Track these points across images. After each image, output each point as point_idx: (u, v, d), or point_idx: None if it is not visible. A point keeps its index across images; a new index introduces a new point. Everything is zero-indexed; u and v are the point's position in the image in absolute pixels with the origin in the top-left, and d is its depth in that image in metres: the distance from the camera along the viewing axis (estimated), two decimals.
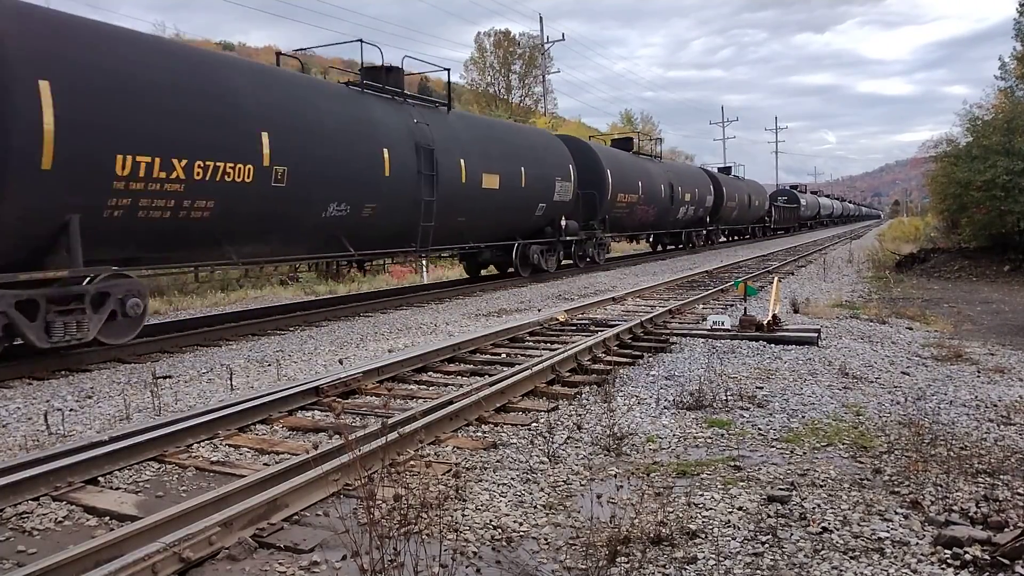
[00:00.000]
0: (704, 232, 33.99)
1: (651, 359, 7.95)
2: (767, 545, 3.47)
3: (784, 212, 53.55)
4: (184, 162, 8.97)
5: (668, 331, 9.50)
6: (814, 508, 3.88)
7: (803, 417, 5.66)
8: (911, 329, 10.31)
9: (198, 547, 3.31)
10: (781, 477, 4.37)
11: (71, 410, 6.35)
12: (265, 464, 4.74)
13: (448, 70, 15.84)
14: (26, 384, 7.57)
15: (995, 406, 5.94)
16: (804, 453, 4.84)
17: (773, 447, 4.98)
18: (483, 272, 20.01)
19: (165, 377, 7.52)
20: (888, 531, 3.58)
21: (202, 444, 5.20)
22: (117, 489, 4.39)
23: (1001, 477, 4.27)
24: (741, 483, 4.27)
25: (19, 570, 3.01)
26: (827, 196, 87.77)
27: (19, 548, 3.58)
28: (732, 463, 4.63)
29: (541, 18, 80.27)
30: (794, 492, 4.10)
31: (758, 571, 3.22)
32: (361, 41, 13.29)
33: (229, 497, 3.81)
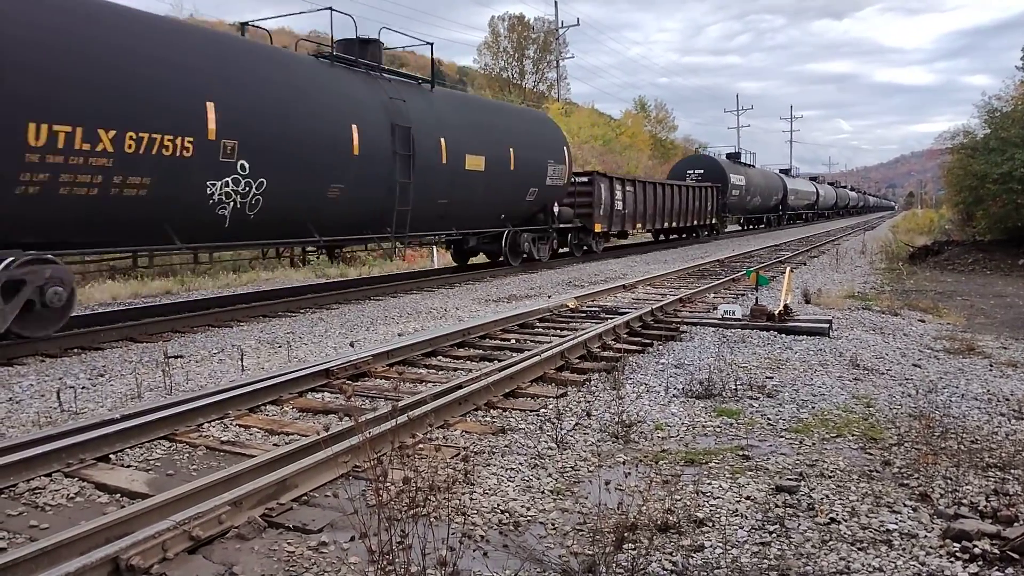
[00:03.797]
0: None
1: (661, 347, 7.93)
2: (774, 535, 3.46)
3: (673, 199, 27.37)
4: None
5: (678, 319, 9.48)
6: (822, 499, 3.87)
7: (813, 407, 5.64)
8: (923, 321, 10.24)
9: (208, 526, 3.34)
10: (790, 467, 4.36)
11: (83, 388, 6.40)
12: (275, 445, 4.77)
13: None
14: (39, 361, 7.64)
15: (1007, 400, 5.90)
16: (813, 444, 4.82)
17: (782, 437, 4.97)
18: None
19: (177, 357, 7.57)
20: (896, 523, 3.57)
21: (213, 424, 5.23)
22: (128, 467, 4.43)
23: (1012, 471, 4.24)
24: (749, 472, 4.27)
25: (31, 544, 3.05)
26: (811, 179, 64.39)
27: (32, 523, 3.63)
28: (741, 452, 4.62)
29: (556, 2, 79.63)
30: (802, 482, 4.09)
31: (765, 560, 3.22)
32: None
33: (239, 477, 3.84)
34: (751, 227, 44.38)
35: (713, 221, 33.36)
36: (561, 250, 20.62)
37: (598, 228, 21.64)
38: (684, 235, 31.53)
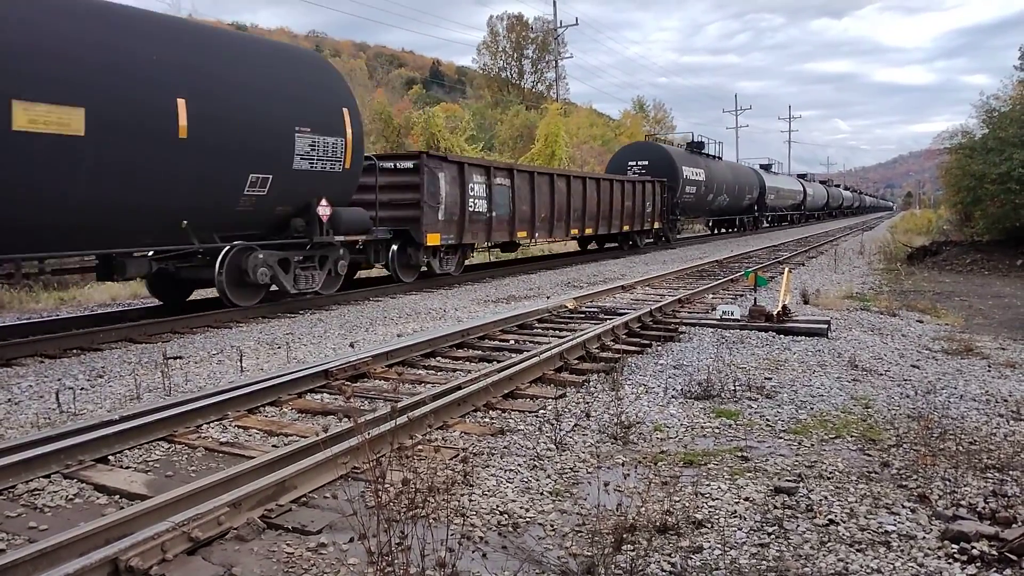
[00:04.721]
0: None
1: (659, 348, 7.94)
2: (773, 536, 3.47)
3: (590, 198, 20.83)
4: None
5: (677, 320, 9.49)
6: (821, 500, 3.88)
7: (811, 409, 5.65)
8: (922, 322, 10.25)
9: (207, 527, 3.34)
10: (788, 468, 4.36)
11: (82, 389, 6.40)
12: (274, 446, 4.77)
13: None
14: (38, 362, 7.63)
15: (1005, 401, 5.91)
16: (812, 445, 4.83)
17: (781, 438, 4.97)
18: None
19: (176, 358, 7.57)
20: (895, 524, 3.57)
21: (211, 425, 5.23)
22: (127, 468, 4.43)
23: (1010, 472, 4.25)
24: (748, 474, 4.27)
25: (31, 546, 3.05)
26: (799, 176, 59.50)
27: (30, 524, 3.62)
28: (739, 453, 4.63)
29: (555, 2, 79.62)
30: (801, 484, 4.09)
31: (764, 562, 3.23)
32: None
33: (238, 478, 3.84)
34: (723, 231, 38.90)
35: (656, 226, 26.32)
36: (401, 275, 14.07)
37: (433, 240, 14.08)
38: (624, 242, 24.71)
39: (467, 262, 16.47)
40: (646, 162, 28.99)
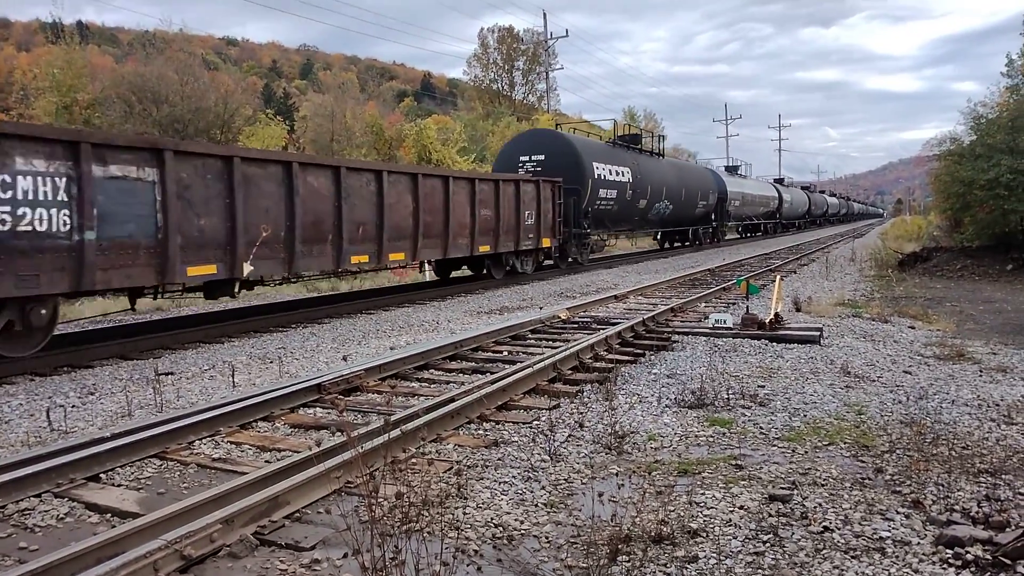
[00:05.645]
0: None
1: (653, 357, 7.94)
2: (768, 544, 3.47)
3: (401, 203, 12.69)
4: None
5: (670, 329, 9.50)
6: (815, 507, 3.88)
7: (805, 416, 5.66)
8: (913, 328, 10.29)
9: (199, 544, 3.31)
10: (783, 476, 4.36)
11: (73, 406, 6.36)
12: (267, 461, 4.74)
13: None
14: (28, 380, 7.58)
15: (997, 405, 5.93)
16: (806, 452, 4.83)
17: (775, 446, 4.98)
18: None
19: (167, 374, 7.53)
20: (889, 530, 3.57)
21: (204, 441, 5.20)
22: (119, 486, 4.40)
23: (1003, 477, 4.26)
24: (743, 482, 4.27)
25: (21, 567, 3.02)
26: (776, 182, 51.63)
27: (21, 544, 3.59)
28: (734, 462, 4.63)
29: (545, 14, 79.97)
30: (795, 491, 4.10)
31: (759, 570, 3.22)
32: None
33: (230, 494, 3.82)
34: (676, 245, 32.01)
35: (548, 243, 18.38)
36: None
37: None
38: (497, 266, 17.06)
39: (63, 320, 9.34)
40: (541, 156, 20.97)
